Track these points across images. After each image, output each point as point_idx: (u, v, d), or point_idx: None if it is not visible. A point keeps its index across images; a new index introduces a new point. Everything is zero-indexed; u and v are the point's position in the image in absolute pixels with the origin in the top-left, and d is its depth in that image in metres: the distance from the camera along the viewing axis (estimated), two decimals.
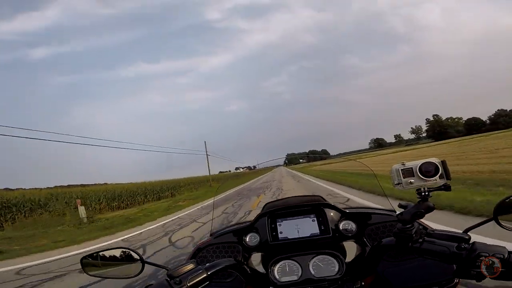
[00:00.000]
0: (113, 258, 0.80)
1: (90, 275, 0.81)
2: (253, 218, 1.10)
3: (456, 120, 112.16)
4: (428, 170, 0.71)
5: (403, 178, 0.72)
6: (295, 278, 0.91)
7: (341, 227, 1.01)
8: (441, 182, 0.71)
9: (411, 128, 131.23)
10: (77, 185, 22.00)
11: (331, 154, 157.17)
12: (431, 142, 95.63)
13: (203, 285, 0.71)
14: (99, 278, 0.83)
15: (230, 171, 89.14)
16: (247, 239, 1.06)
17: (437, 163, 0.71)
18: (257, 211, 1.17)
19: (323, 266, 0.93)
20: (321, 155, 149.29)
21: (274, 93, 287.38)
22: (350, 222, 1.02)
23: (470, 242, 0.63)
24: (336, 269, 0.91)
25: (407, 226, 0.69)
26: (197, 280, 0.70)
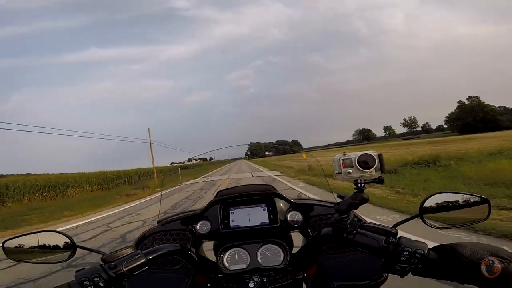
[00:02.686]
0: (42, 242, 0.75)
1: (14, 260, 0.75)
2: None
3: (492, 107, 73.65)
4: (365, 162, 0.72)
5: (343, 168, 0.73)
6: (243, 266, 0.93)
7: (288, 218, 1.02)
8: (377, 174, 0.71)
9: (404, 120, 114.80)
10: None
11: (303, 147, 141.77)
12: (454, 135, 64.63)
13: (141, 270, 0.68)
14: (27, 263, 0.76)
15: (183, 162, 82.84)
16: (198, 226, 1.03)
17: (374, 156, 0.72)
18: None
19: (270, 255, 0.95)
20: (292, 148, 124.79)
21: (239, 86, 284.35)
22: (297, 213, 1.03)
23: (397, 236, 0.63)
24: (281, 259, 0.93)
25: (343, 216, 0.69)
26: (134, 265, 0.67)
